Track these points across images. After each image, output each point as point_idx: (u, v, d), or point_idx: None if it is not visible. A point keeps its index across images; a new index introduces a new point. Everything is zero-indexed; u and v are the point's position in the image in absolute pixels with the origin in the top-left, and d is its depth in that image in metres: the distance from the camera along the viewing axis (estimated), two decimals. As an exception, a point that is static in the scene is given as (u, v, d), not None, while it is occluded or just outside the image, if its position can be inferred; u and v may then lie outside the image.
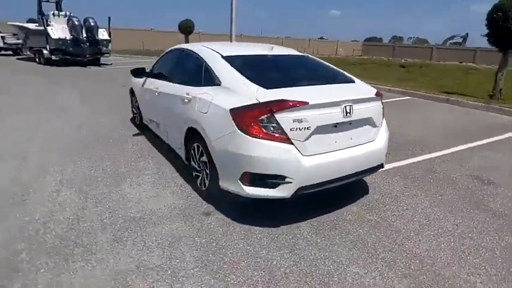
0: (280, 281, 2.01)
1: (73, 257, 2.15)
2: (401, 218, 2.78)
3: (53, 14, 14.58)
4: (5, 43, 19.03)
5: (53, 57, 14.20)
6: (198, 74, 3.05)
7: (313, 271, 2.11)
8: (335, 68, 3.36)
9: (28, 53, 17.11)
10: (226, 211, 2.74)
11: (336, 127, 2.52)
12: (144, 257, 2.17)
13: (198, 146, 2.87)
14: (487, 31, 7.79)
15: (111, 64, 15.85)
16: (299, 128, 2.33)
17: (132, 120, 5.44)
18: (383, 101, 2.96)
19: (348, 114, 2.51)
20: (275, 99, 2.32)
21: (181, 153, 3.34)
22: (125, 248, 2.25)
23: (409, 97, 8.85)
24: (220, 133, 2.51)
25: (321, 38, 53.87)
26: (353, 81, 3.03)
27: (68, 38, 14.03)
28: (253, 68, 2.89)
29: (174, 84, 3.46)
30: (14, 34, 18.36)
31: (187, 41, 21.54)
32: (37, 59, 15.20)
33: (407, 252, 2.33)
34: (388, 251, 2.33)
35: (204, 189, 2.92)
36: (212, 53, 3.10)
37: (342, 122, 2.52)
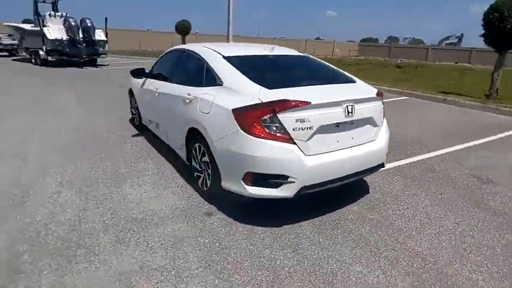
0: (284, 281, 2.01)
1: (76, 258, 2.13)
2: (403, 217, 2.80)
3: (49, 15, 14.50)
4: (0, 44, 18.86)
5: (49, 58, 14.11)
6: (199, 74, 3.05)
7: (317, 270, 2.11)
8: (335, 68, 3.37)
9: (24, 53, 17.00)
10: (228, 211, 2.74)
11: (337, 127, 2.53)
12: (148, 258, 2.16)
13: (199, 147, 2.87)
14: (482, 32, 7.88)
15: (108, 65, 15.78)
16: (301, 128, 2.34)
17: (131, 121, 5.43)
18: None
19: (350, 114, 2.52)
20: (278, 99, 2.32)
21: (182, 153, 3.33)
22: (127, 249, 2.24)
23: (406, 97, 8.92)
24: (222, 133, 2.51)
25: (318, 38, 54.03)
26: (354, 81, 3.05)
27: (64, 38, 13.96)
28: (255, 68, 2.90)
29: (175, 84, 3.46)
30: (10, 35, 18.21)
31: (184, 42, 21.52)
32: (33, 60, 15.09)
33: (410, 250, 2.35)
34: (390, 250, 2.35)
35: (205, 189, 2.92)
36: (213, 53, 3.11)
37: (344, 122, 2.53)
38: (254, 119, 2.33)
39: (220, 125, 2.54)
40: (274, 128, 2.33)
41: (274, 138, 2.32)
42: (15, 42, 17.68)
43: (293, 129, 2.32)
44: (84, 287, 1.91)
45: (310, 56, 3.70)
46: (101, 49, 15.15)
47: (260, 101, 2.36)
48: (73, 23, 14.17)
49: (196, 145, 2.92)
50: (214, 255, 2.21)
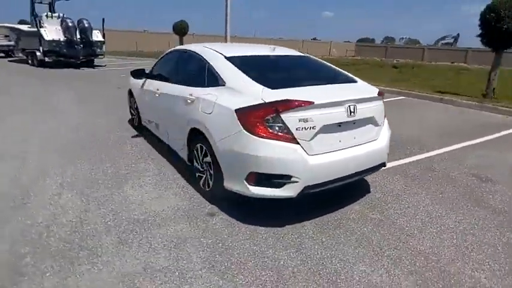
0: (288, 280, 2.01)
1: (78, 260, 2.12)
2: (404, 216, 2.81)
3: (46, 16, 14.42)
4: (-4, 45, 18.73)
5: (46, 59, 14.03)
6: (201, 74, 3.04)
7: (321, 270, 2.12)
8: (336, 68, 3.38)
9: (20, 54, 16.87)
10: (230, 212, 2.73)
11: (340, 126, 2.54)
12: (151, 259, 2.16)
13: (201, 147, 2.87)
14: (478, 32, 7.94)
15: (105, 66, 15.73)
16: (305, 128, 2.34)
17: (130, 121, 5.41)
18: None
19: (352, 113, 2.53)
20: (280, 99, 2.33)
21: (183, 154, 3.33)
22: (130, 250, 2.24)
23: (403, 97, 8.97)
24: (225, 133, 2.51)
25: (314, 39, 54.19)
26: (355, 81, 3.06)
27: (61, 39, 13.88)
28: (257, 69, 2.90)
29: (176, 85, 3.45)
30: (6, 36, 18.09)
31: (181, 42, 21.48)
32: (30, 61, 15.00)
33: (412, 249, 2.36)
34: (393, 249, 2.36)
35: (207, 190, 2.91)
36: (215, 53, 3.10)
37: (346, 122, 2.54)
38: (257, 119, 2.33)
39: (223, 125, 2.54)
40: (278, 128, 2.33)
41: (277, 138, 2.32)
42: (12, 43, 17.56)
43: (296, 129, 2.33)
44: (87, 289, 1.90)
45: (310, 56, 3.71)
46: (98, 50, 15.09)
47: (263, 101, 2.36)
48: (70, 24, 14.09)
49: (198, 145, 2.92)
50: (217, 256, 2.21)
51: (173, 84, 3.53)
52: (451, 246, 2.41)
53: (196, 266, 2.11)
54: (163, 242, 2.33)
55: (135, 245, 2.30)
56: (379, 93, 2.86)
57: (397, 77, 13.00)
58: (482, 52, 23.72)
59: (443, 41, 42.07)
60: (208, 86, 2.91)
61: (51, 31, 13.86)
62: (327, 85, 2.83)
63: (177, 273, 2.03)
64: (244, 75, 2.68)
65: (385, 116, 3.01)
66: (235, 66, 2.82)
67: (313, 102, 2.33)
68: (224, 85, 2.74)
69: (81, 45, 14.31)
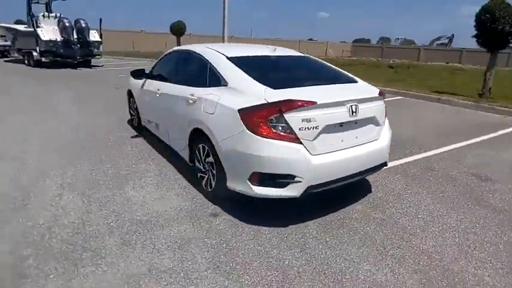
0: (294, 280, 2.02)
1: (82, 261, 2.11)
2: (406, 215, 2.83)
3: (43, 16, 14.33)
4: (-8, 45, 18.56)
5: (43, 59, 13.92)
6: (203, 75, 3.04)
7: (326, 269, 2.12)
8: (337, 68, 3.40)
9: (16, 55, 16.74)
10: (233, 212, 2.73)
11: (342, 126, 2.55)
12: (155, 260, 2.15)
13: (203, 147, 2.86)
14: (472, 33, 8.03)
15: (102, 66, 15.65)
16: (308, 128, 2.35)
17: (130, 122, 5.38)
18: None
19: (354, 113, 2.54)
20: (284, 99, 2.33)
21: (185, 154, 3.32)
22: (134, 251, 2.22)
23: (400, 97, 9.03)
24: (228, 133, 2.51)
25: (310, 39, 54.26)
26: (356, 81, 3.07)
27: (58, 39, 13.80)
28: (259, 69, 2.90)
29: (177, 85, 3.44)
30: (2, 36, 17.93)
31: (179, 43, 21.41)
32: (26, 61, 14.89)
33: (415, 248, 2.37)
34: (396, 248, 2.37)
35: (209, 190, 2.91)
36: (216, 54, 3.10)
37: (348, 122, 2.55)
38: (260, 119, 2.33)
39: (226, 125, 2.54)
40: (281, 128, 2.33)
41: (280, 138, 2.32)
42: (8, 43, 17.42)
43: (299, 129, 2.33)
44: (92, 291, 1.88)
45: (311, 56, 3.73)
46: (96, 50, 15.02)
47: (266, 101, 2.36)
48: (67, 24, 14.01)
49: (200, 146, 2.91)
50: (222, 256, 2.21)
51: (174, 85, 3.52)
52: (454, 245, 2.43)
53: (201, 267, 2.10)
54: (167, 243, 2.32)
55: (138, 246, 2.28)
56: (380, 93, 2.88)
57: (393, 77, 13.08)
58: (476, 52, 24.00)
59: (438, 42, 42.45)
60: (210, 86, 2.90)
61: (48, 31, 13.77)
62: (329, 85, 2.84)
63: (182, 274, 2.03)
64: (247, 75, 2.68)
65: (386, 116, 3.02)
66: (237, 66, 2.82)
67: (316, 102, 2.34)
68: (226, 85, 2.74)
69: (78, 46, 14.23)
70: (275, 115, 2.32)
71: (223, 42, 12.33)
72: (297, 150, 2.34)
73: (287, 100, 2.33)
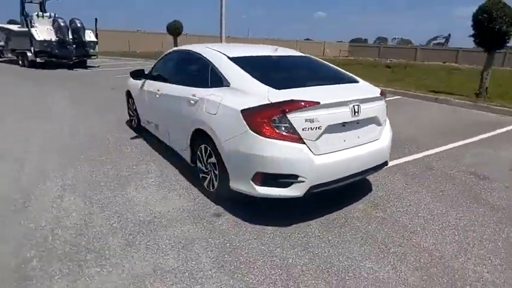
0: (298, 278, 2.04)
1: (86, 262, 2.11)
2: (407, 214, 2.86)
3: (37, 15, 14.19)
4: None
5: (38, 60, 13.77)
6: (204, 75, 3.04)
7: (329, 268, 2.14)
8: (338, 68, 3.42)
9: (10, 55, 16.55)
10: (236, 212, 2.74)
11: (344, 126, 2.57)
12: (160, 260, 2.15)
13: (205, 148, 2.87)
14: (469, 33, 8.10)
15: (98, 66, 15.56)
16: (311, 128, 2.37)
17: (128, 123, 5.37)
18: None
19: (356, 113, 2.57)
20: (287, 99, 2.35)
21: (186, 155, 3.32)
22: (138, 252, 2.23)
23: (399, 96, 9.09)
24: (231, 134, 2.52)
25: (308, 39, 54.37)
26: (357, 81, 3.10)
27: (53, 39, 13.67)
28: (261, 69, 2.92)
29: (178, 85, 3.44)
30: (-5, 36, 17.71)
31: (175, 43, 21.32)
32: (20, 62, 14.74)
33: (416, 246, 2.41)
34: (397, 246, 2.40)
35: (212, 190, 2.91)
36: (218, 54, 3.11)
37: (350, 121, 2.58)
38: (264, 119, 2.35)
39: (229, 125, 2.55)
40: (284, 128, 2.35)
41: (284, 138, 2.34)
42: (1, 43, 17.22)
43: (302, 129, 2.35)
44: (98, 291, 1.89)
45: (312, 56, 3.75)
46: (91, 50, 14.93)
47: (269, 102, 2.38)
48: (62, 24, 13.89)
49: (202, 146, 2.92)
50: (226, 256, 2.22)
51: (175, 85, 3.52)
52: (454, 243, 2.46)
53: (206, 266, 2.11)
54: (171, 243, 2.33)
55: (142, 246, 2.29)
56: (381, 93, 2.91)
57: (391, 77, 13.16)
58: (473, 52, 24.19)
59: (434, 41, 42.71)
60: (211, 87, 2.91)
61: (43, 31, 13.65)
62: (331, 85, 2.86)
63: (187, 274, 2.04)
64: (249, 75, 2.70)
65: (387, 116, 3.06)
66: (239, 66, 2.83)
67: (319, 103, 2.36)
68: (229, 86, 2.75)
69: (74, 46, 14.10)
70: (278, 115, 2.34)
71: (221, 42, 12.33)
72: (300, 150, 2.36)
73: (290, 100, 2.35)
